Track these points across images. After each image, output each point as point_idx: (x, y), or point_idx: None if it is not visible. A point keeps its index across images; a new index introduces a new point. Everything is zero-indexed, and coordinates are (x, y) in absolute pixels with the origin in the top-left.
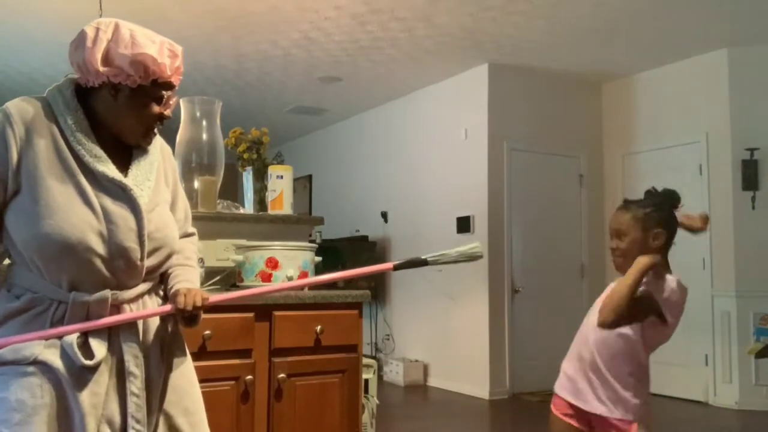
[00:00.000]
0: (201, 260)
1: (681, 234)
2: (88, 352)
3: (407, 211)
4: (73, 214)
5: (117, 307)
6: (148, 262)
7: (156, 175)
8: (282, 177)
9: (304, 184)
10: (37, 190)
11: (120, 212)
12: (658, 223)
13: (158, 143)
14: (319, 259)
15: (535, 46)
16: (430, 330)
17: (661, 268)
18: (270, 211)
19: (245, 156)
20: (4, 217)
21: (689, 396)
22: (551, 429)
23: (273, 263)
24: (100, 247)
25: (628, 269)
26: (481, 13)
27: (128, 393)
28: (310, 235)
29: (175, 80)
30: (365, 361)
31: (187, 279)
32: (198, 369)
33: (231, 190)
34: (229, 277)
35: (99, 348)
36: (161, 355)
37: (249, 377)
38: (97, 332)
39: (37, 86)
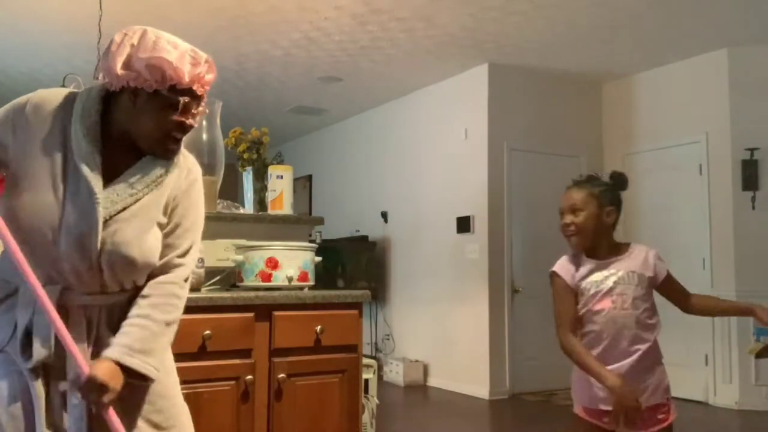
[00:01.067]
0: (201, 260)
1: (680, 233)
2: (28, 353)
3: (407, 211)
4: (39, 200)
5: (65, 308)
6: (105, 276)
7: (153, 189)
8: (282, 177)
9: (304, 184)
10: (22, 174)
11: (79, 214)
12: (611, 201)
13: (188, 163)
14: (319, 259)
15: (535, 46)
16: (430, 330)
17: (611, 249)
18: (270, 211)
19: (245, 156)
20: None
21: (689, 396)
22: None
23: (273, 263)
24: (49, 242)
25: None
26: (481, 13)
27: (69, 403)
28: (310, 235)
29: (197, 88)
30: (365, 361)
31: (123, 344)
32: (198, 369)
33: (231, 190)
34: (229, 277)
35: (39, 350)
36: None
37: (249, 377)
38: (42, 328)
39: (38, 86)
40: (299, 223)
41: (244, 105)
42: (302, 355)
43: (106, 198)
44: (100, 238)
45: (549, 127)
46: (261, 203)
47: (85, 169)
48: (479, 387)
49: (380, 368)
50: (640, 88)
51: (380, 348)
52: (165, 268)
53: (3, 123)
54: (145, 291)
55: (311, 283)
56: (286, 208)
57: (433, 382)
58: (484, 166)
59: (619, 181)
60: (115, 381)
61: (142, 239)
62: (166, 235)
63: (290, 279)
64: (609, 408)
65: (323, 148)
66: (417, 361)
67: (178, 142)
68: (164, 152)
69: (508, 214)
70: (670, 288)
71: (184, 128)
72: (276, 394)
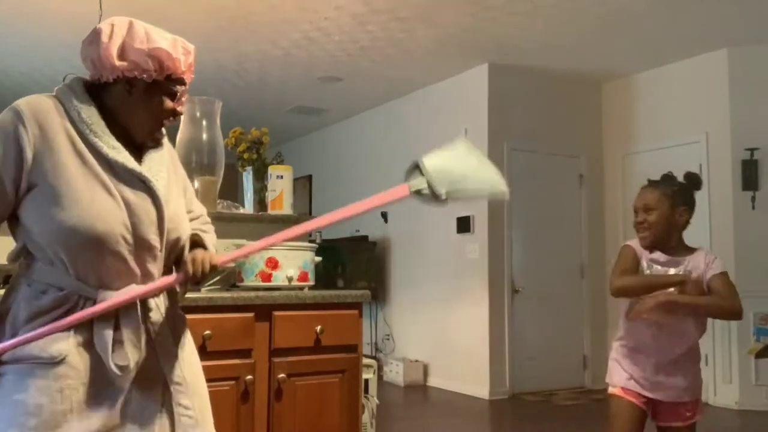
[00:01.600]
0: None
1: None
2: (121, 357)
3: (407, 211)
4: (97, 205)
5: (144, 303)
6: (165, 254)
7: (168, 170)
8: (282, 177)
9: (304, 184)
10: (59, 183)
11: (141, 204)
12: (685, 201)
13: (166, 141)
14: (319, 259)
15: (535, 46)
16: (430, 330)
17: (681, 247)
18: (270, 211)
19: (245, 156)
20: (20, 214)
21: None
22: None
23: (273, 263)
24: (127, 239)
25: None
26: (481, 13)
27: (172, 383)
28: (310, 235)
29: (188, 77)
30: (365, 361)
31: (197, 239)
32: None
33: (231, 190)
34: (229, 277)
35: (132, 353)
36: (174, 347)
37: (249, 377)
38: (131, 334)
39: (37, 86)
40: (299, 223)
41: (244, 105)
42: (302, 355)
43: (153, 179)
44: (166, 219)
45: (549, 127)
46: (261, 203)
47: (120, 158)
48: (479, 387)
49: (380, 368)
50: (640, 88)
51: (380, 348)
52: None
53: (8, 143)
54: (198, 226)
55: (311, 283)
56: (286, 208)
57: (433, 382)
58: None
59: (693, 182)
60: (204, 253)
61: (184, 217)
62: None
63: (290, 279)
64: (645, 393)
65: (323, 148)
66: (417, 361)
67: (170, 123)
68: (154, 139)
69: (508, 214)
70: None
71: (176, 116)
72: (276, 394)
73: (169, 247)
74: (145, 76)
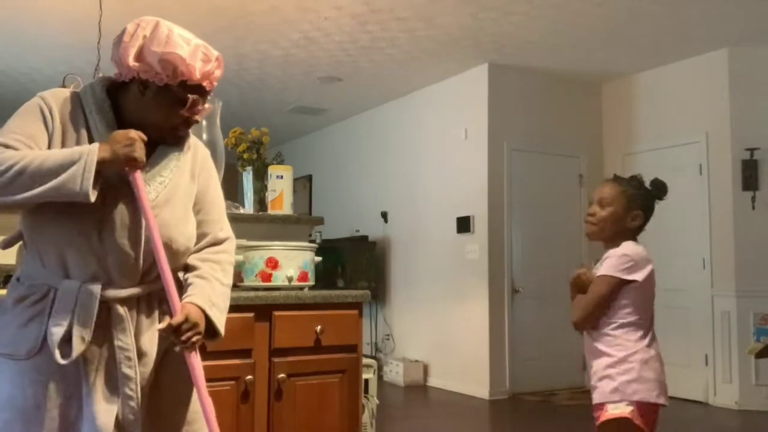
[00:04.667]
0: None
1: (680, 233)
2: (67, 349)
3: (407, 211)
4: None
5: (107, 305)
6: (147, 264)
7: (176, 173)
8: (282, 177)
9: (304, 184)
10: None
11: (120, 208)
12: (641, 206)
13: (192, 145)
14: (319, 259)
15: (535, 46)
16: (430, 330)
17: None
18: (270, 211)
19: (245, 156)
20: None
21: (689, 396)
22: None
23: (273, 263)
24: (93, 239)
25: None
26: (481, 13)
27: (122, 395)
28: (310, 235)
29: (207, 85)
30: (365, 361)
31: (202, 295)
32: None
33: (231, 190)
34: None
35: (78, 345)
36: (160, 358)
37: (249, 377)
38: (81, 328)
39: (37, 86)
40: (299, 223)
41: (244, 105)
42: (302, 355)
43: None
44: (143, 228)
45: (549, 127)
46: (261, 203)
47: None
48: (479, 387)
49: (380, 368)
50: (640, 88)
51: (380, 348)
52: (212, 243)
53: (35, 121)
54: (208, 256)
55: (311, 283)
56: (286, 208)
57: (433, 382)
58: (484, 166)
59: (658, 190)
60: (202, 324)
61: (180, 222)
62: (197, 212)
63: (290, 279)
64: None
65: (323, 148)
66: (417, 361)
67: (185, 131)
68: (174, 140)
69: (508, 214)
70: None
71: (189, 124)
72: (276, 394)
73: (150, 255)
74: (156, 79)
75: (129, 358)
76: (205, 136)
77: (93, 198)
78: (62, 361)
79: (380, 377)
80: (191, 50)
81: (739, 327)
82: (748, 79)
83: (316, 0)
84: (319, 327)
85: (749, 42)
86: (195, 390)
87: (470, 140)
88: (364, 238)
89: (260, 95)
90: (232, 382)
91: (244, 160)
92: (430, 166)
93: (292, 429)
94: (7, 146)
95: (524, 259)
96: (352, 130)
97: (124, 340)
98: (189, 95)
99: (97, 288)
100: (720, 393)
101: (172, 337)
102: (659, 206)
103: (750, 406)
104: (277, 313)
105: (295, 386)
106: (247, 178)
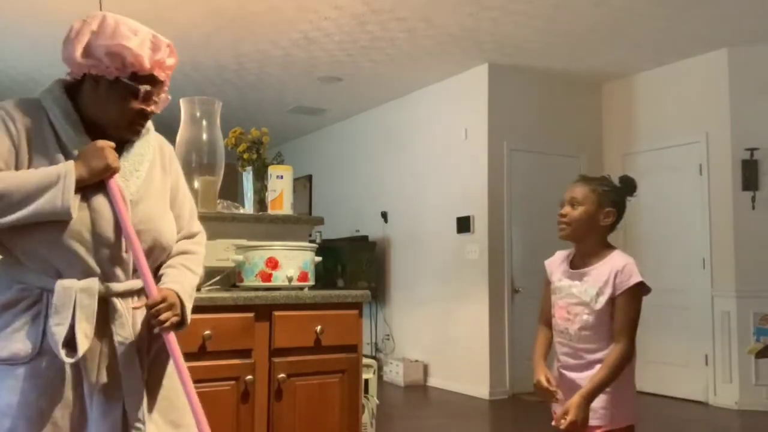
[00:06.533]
0: None
1: (680, 233)
2: (72, 348)
3: (407, 211)
4: None
5: (105, 301)
6: (129, 255)
7: (148, 168)
8: (282, 177)
9: (304, 184)
10: None
11: (103, 202)
12: (613, 203)
13: (156, 140)
14: (319, 259)
15: (535, 46)
16: (430, 330)
17: (596, 252)
18: (270, 211)
19: (245, 156)
20: None
21: (689, 396)
22: None
23: (273, 263)
24: (84, 235)
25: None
26: (481, 13)
27: (125, 391)
28: (310, 235)
29: (159, 74)
30: (365, 361)
31: (177, 281)
32: (198, 369)
33: (231, 190)
34: (229, 277)
35: (83, 343)
36: (146, 355)
37: (249, 377)
38: (84, 325)
39: (37, 86)
40: (299, 223)
41: (244, 105)
42: (302, 355)
43: (120, 179)
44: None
45: (549, 127)
46: (261, 203)
47: None
48: (479, 387)
49: (380, 368)
50: (640, 88)
51: (380, 348)
52: (186, 236)
53: (1, 136)
54: (183, 248)
55: (311, 283)
56: (286, 208)
57: (433, 382)
58: (484, 166)
59: (627, 186)
60: (177, 307)
61: (163, 215)
62: (171, 208)
63: (290, 279)
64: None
65: (323, 148)
66: (417, 361)
67: (142, 123)
68: (133, 134)
69: (508, 214)
70: (615, 308)
71: (146, 116)
72: (276, 394)
73: (145, 243)
74: (106, 73)
75: (130, 353)
76: (205, 136)
77: (75, 214)
78: (69, 361)
79: (380, 377)
80: (139, 41)
81: (739, 327)
82: (748, 79)
83: (316, 0)
84: (319, 327)
85: (749, 42)
86: (179, 388)
87: (470, 140)
88: (364, 238)
89: (260, 95)
90: (232, 382)
91: (244, 160)
92: (430, 166)
93: (292, 429)
94: None
95: (524, 259)
96: (352, 130)
97: (123, 335)
98: (141, 86)
99: (95, 283)
100: (720, 393)
101: (150, 317)
102: (659, 206)
103: (750, 406)
104: (277, 313)
105: (295, 386)
106: (247, 178)
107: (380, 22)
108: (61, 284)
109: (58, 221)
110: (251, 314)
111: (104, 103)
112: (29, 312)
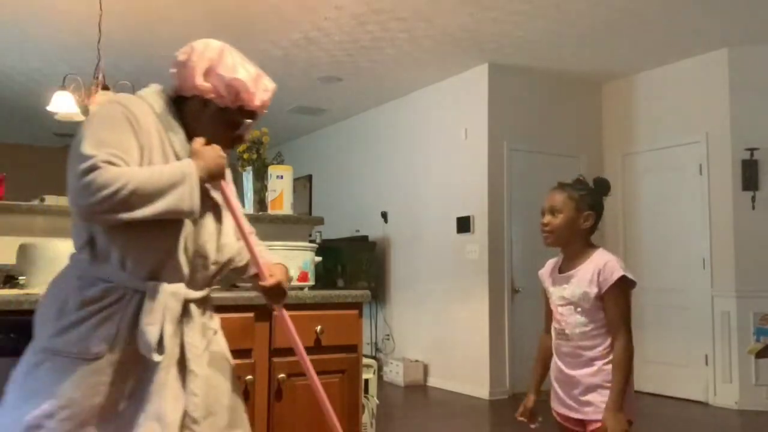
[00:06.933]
0: None
1: (680, 233)
2: (160, 348)
3: (407, 211)
4: None
5: (185, 304)
6: (218, 268)
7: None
8: (282, 177)
9: (304, 184)
10: None
11: (208, 216)
12: (591, 206)
13: None
14: (319, 259)
15: (535, 46)
16: (430, 330)
17: (580, 254)
18: (270, 211)
19: (245, 156)
20: None
21: (689, 396)
22: None
23: None
24: (189, 245)
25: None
26: (481, 13)
27: (188, 392)
28: (310, 235)
29: (260, 111)
30: (365, 361)
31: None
32: None
33: None
34: (229, 278)
35: (168, 343)
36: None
37: (249, 377)
38: (171, 326)
39: (37, 86)
40: (299, 223)
41: None
42: None
43: (213, 193)
44: (223, 233)
45: (549, 127)
46: (261, 203)
47: None
48: (479, 387)
49: (380, 368)
50: (640, 88)
51: (380, 348)
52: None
53: (125, 132)
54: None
55: (311, 283)
56: (286, 208)
57: (433, 382)
58: (484, 166)
59: (601, 187)
60: (287, 281)
61: (233, 234)
62: None
63: (290, 279)
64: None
65: (323, 148)
66: (417, 361)
67: (234, 149)
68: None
69: (508, 214)
70: (605, 305)
71: (234, 145)
72: (276, 394)
73: (223, 261)
74: (219, 101)
75: (198, 356)
76: None
77: (198, 215)
78: (158, 359)
79: (380, 377)
80: (254, 78)
81: (739, 327)
82: (748, 79)
83: (316, 0)
84: (319, 327)
85: (749, 42)
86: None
87: (470, 140)
88: (364, 238)
89: None
90: None
91: (244, 160)
92: (430, 166)
93: (292, 429)
94: (110, 163)
95: (524, 259)
96: (352, 130)
97: (195, 338)
98: (244, 119)
99: (182, 288)
100: (720, 393)
101: (265, 297)
102: (659, 206)
103: (750, 406)
104: (277, 314)
105: (295, 386)
106: (247, 178)
107: (380, 22)
108: (156, 286)
109: (171, 228)
110: (251, 314)
111: (207, 124)
112: (106, 311)
